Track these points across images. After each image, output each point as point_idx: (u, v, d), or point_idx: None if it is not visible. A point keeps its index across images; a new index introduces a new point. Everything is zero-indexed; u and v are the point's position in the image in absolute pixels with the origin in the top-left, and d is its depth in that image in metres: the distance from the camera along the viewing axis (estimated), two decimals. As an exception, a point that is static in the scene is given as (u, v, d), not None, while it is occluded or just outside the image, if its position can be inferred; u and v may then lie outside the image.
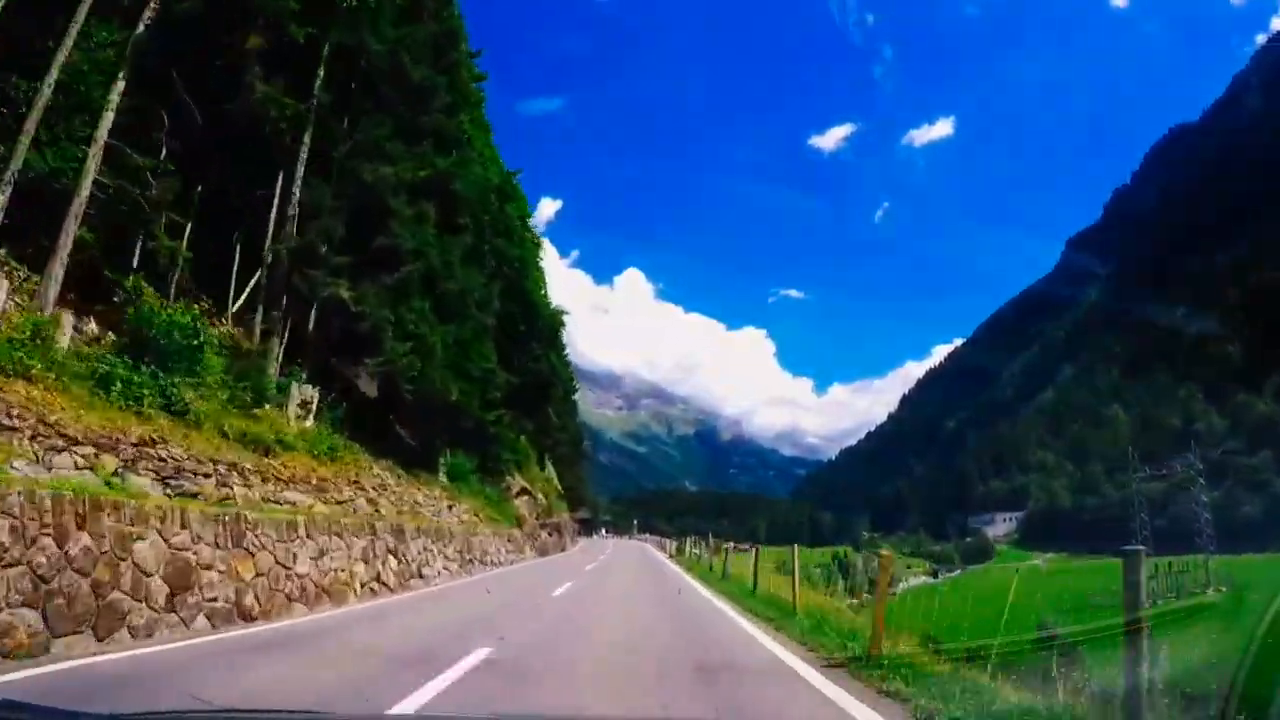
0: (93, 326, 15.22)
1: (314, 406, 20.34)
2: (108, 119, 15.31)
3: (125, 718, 2.84)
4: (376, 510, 18.72)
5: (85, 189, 14.80)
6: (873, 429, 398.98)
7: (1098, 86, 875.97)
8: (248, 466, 13.79)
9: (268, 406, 17.76)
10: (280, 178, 21.20)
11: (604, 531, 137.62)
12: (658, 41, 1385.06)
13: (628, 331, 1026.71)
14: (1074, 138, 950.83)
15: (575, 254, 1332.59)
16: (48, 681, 6.09)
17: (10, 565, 6.88)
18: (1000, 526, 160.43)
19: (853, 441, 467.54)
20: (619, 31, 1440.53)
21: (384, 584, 15.86)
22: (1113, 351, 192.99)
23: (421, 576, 18.67)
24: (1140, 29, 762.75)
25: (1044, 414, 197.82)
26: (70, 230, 14.42)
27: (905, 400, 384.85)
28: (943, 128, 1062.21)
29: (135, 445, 11.01)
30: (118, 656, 7.38)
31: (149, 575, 8.72)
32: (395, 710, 5.47)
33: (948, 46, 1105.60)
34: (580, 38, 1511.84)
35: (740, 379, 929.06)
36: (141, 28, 16.21)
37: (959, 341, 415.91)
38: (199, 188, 19.15)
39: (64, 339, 12.72)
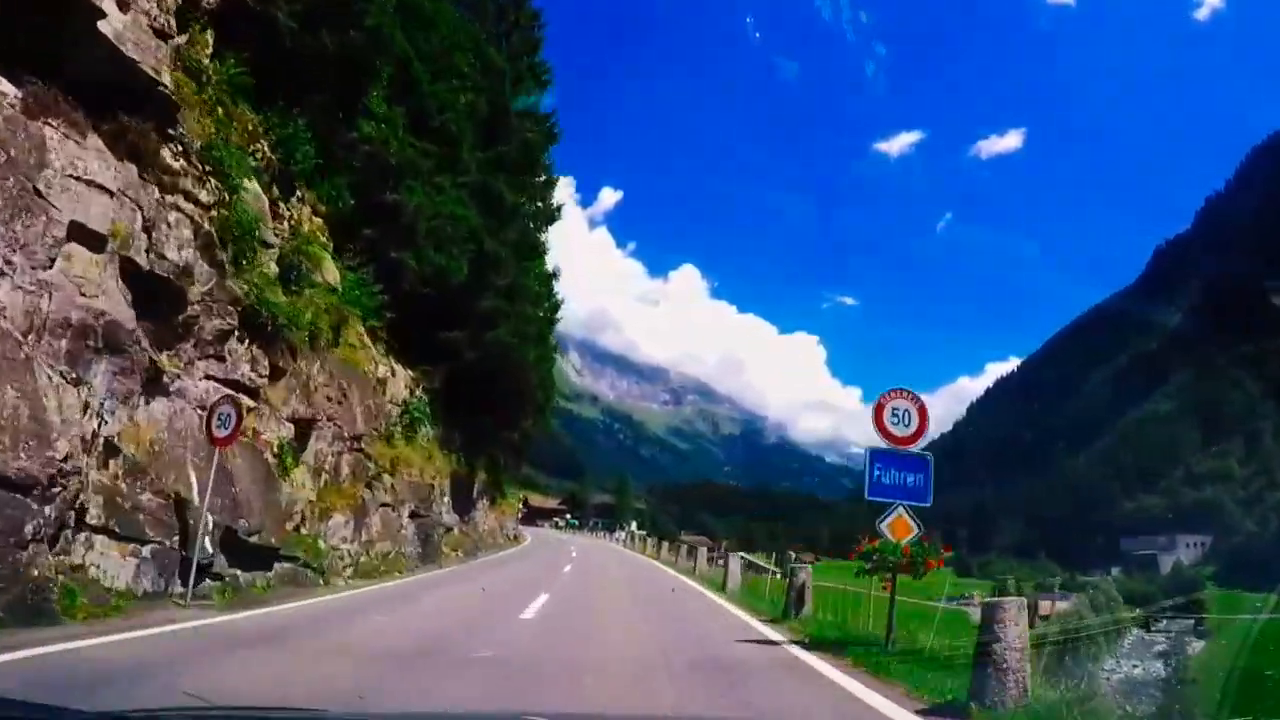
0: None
1: None
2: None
3: (117, 715, 2.58)
4: None
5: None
6: (934, 438, 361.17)
7: (1176, 99, 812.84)
8: None
9: None
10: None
11: (631, 527, 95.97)
12: (724, 31, 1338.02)
13: (678, 326, 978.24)
14: (1150, 152, 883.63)
15: (632, 245, 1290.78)
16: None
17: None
18: (1183, 553, 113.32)
19: None
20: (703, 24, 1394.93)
21: None
22: (1239, 353, 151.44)
23: None
24: (1223, 41, 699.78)
25: (1174, 420, 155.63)
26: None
27: (972, 410, 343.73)
28: (1013, 139, 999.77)
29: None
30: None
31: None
32: None
33: (1020, 57, 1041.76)
34: (647, 40, 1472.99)
35: (788, 383, 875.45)
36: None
37: (1015, 360, 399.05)
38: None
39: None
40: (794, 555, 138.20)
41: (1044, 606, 71.53)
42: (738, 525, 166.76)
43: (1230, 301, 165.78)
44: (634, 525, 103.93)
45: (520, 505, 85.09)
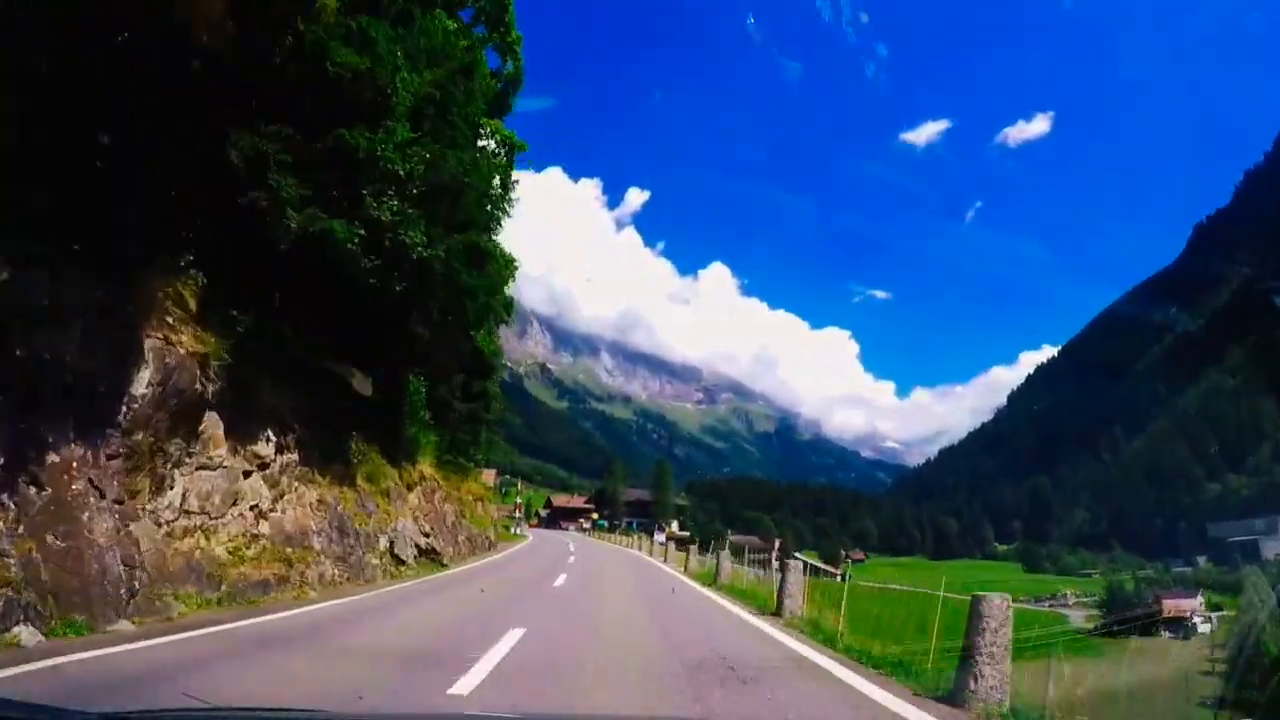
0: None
1: None
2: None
3: (119, 716, 2.56)
4: None
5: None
6: (974, 429, 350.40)
7: (1208, 73, 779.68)
8: None
9: None
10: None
11: (673, 527, 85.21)
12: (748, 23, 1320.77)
13: (710, 324, 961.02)
14: (1183, 130, 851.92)
15: (661, 245, 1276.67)
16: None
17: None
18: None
19: (932, 447, 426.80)
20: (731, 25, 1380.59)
21: None
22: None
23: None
24: (1258, 10, 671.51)
25: (1246, 395, 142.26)
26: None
27: (1013, 398, 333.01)
28: (1040, 124, 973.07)
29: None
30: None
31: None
32: None
33: (1046, 40, 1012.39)
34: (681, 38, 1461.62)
35: (821, 379, 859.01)
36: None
37: (1049, 348, 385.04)
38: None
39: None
40: (844, 553, 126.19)
41: (1169, 607, 60.52)
42: (782, 523, 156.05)
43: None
44: (675, 525, 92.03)
45: (517, 504, 73.20)
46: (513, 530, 62.39)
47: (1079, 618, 60.01)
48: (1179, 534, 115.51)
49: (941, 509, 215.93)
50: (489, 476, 70.53)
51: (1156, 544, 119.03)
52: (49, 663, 5.96)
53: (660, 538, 60.30)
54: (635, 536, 65.31)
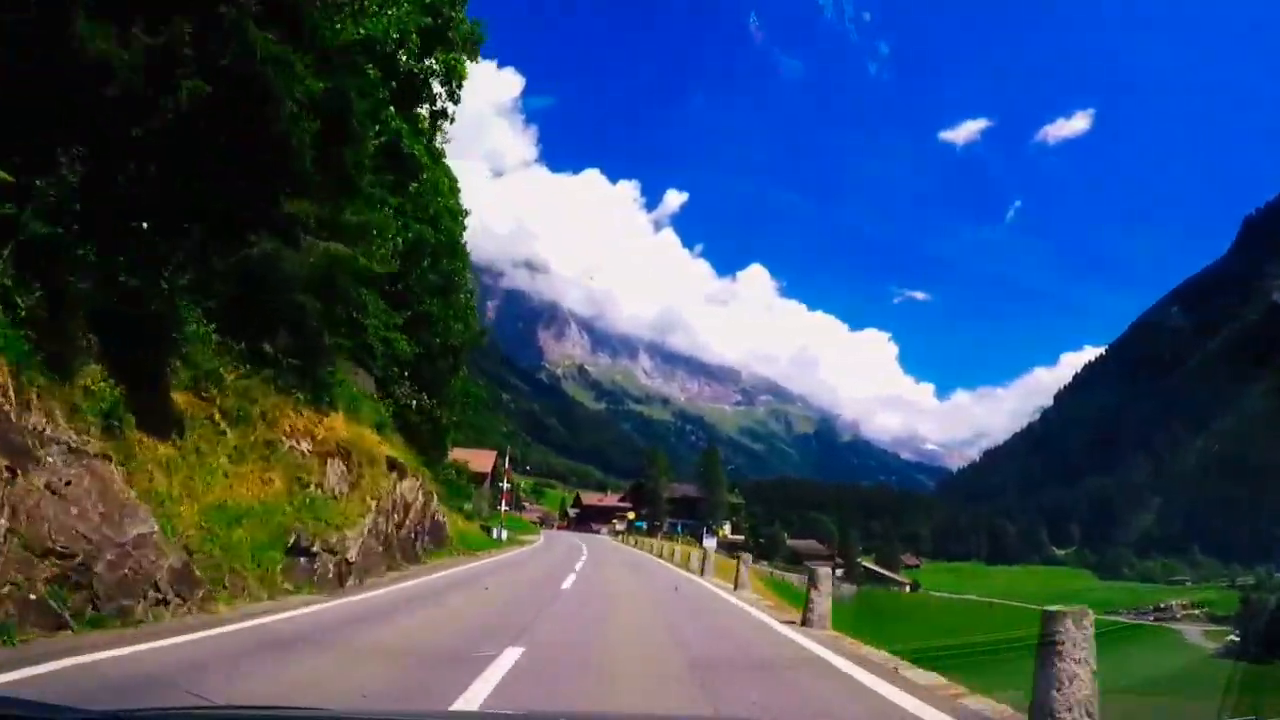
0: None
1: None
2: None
3: (121, 715, 2.51)
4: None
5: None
6: (1018, 430, 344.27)
7: (1250, 67, 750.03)
8: None
9: None
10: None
11: (725, 530, 76.47)
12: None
13: (749, 326, 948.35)
14: (1229, 123, 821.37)
15: (700, 247, 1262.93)
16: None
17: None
18: None
19: (972, 449, 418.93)
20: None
21: None
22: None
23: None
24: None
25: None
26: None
27: (1060, 399, 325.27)
28: (1080, 121, 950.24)
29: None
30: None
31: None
32: None
33: (1084, 35, 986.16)
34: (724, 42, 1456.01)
35: (860, 380, 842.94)
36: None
37: (1090, 349, 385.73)
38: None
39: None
40: (902, 560, 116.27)
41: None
42: (830, 525, 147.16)
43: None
44: (728, 527, 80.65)
45: (504, 492, 58.77)
46: (494, 534, 42.99)
47: (1195, 634, 50.71)
48: (1271, 537, 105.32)
49: (993, 511, 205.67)
50: (478, 457, 58.13)
51: (1243, 546, 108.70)
52: None
53: (711, 543, 49.78)
54: (680, 541, 53.86)
